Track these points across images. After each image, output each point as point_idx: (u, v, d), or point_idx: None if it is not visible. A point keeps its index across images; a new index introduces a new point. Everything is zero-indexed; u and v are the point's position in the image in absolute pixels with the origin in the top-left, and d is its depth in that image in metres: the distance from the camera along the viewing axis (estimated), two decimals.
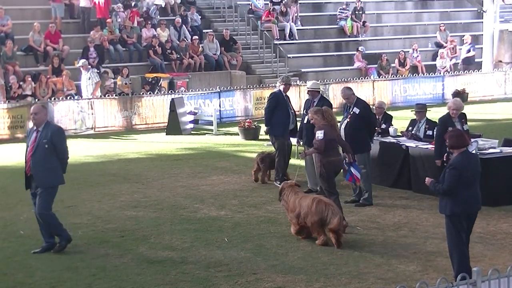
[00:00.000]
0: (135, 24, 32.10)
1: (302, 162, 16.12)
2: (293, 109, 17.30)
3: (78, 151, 20.57)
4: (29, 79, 27.54)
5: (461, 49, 35.05)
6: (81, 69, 26.96)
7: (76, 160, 18.89)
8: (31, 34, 30.11)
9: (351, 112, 14.72)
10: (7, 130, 24.46)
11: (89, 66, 27.29)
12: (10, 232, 13.06)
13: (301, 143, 16.12)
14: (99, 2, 31.67)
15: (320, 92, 16.50)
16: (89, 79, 26.64)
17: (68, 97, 26.63)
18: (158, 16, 33.18)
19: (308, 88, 16.32)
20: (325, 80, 29.14)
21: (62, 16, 32.02)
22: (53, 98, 26.27)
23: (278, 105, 16.82)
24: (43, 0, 32.81)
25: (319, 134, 12.95)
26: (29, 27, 30.61)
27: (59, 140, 11.76)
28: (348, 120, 14.70)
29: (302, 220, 12.23)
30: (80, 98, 26.35)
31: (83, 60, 27.39)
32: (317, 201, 12.13)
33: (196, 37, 32.17)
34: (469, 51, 34.62)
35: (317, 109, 13.63)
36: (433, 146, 14.78)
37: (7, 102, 25.20)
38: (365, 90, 29.28)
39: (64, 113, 25.24)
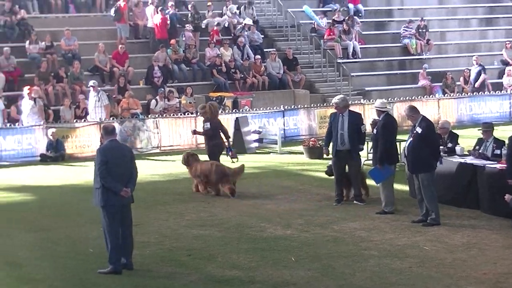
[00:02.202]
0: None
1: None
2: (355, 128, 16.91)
3: (145, 170, 20.72)
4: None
5: None
6: (91, 89, 26.91)
7: (143, 179, 19.04)
8: (96, 54, 30.59)
9: (414, 132, 14.67)
10: (76, 148, 24.91)
11: (99, 88, 27.18)
12: (79, 250, 13.22)
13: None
14: (158, 23, 32.04)
15: (386, 110, 16.42)
16: (98, 100, 26.58)
17: (134, 116, 26.93)
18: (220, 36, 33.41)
19: (376, 107, 16.27)
20: (389, 99, 28.97)
21: (127, 36, 32.45)
22: (119, 118, 26.60)
23: (331, 126, 16.87)
24: (108, 21, 33.32)
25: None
26: (95, 47, 31.10)
27: (96, 159, 11.85)
28: (412, 139, 14.66)
29: (206, 178, 17.91)
30: (146, 117, 26.62)
31: (93, 81, 27.41)
32: (216, 165, 17.94)
33: (259, 56, 32.32)
34: None
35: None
36: (502, 165, 14.61)
37: (74, 121, 25.64)
38: (430, 109, 29.03)
39: (129, 132, 25.53)
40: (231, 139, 21.34)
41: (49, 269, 12.10)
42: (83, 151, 24.95)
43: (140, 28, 33.17)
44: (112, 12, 32.55)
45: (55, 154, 24.34)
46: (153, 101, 28.57)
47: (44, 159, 24.23)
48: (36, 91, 26.39)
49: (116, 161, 11.67)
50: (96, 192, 11.69)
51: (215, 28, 33.26)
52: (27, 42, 30.68)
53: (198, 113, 21.22)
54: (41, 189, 19.60)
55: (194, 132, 21.32)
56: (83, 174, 20.86)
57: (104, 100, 26.54)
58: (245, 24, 33.78)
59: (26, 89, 26.16)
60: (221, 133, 19.34)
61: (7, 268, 12.01)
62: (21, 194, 19.02)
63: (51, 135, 24.38)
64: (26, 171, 22.39)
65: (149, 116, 27.01)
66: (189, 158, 18.55)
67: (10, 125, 25.31)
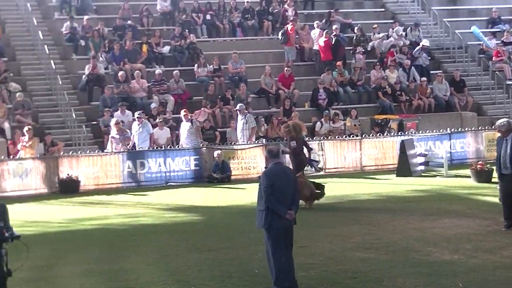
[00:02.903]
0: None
1: None
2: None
3: None
4: (262, 121, 28.34)
5: None
6: (238, 112, 27.01)
7: None
8: (263, 77, 31.05)
9: None
10: (242, 170, 25.34)
11: (246, 111, 27.19)
12: (246, 270, 13.36)
13: None
14: (323, 46, 32.20)
15: None
16: (245, 123, 26.70)
17: None
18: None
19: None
20: None
21: (294, 59, 32.79)
22: (284, 140, 26.82)
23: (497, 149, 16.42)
24: (275, 44, 33.81)
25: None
26: (261, 70, 31.57)
27: (261, 182, 11.88)
28: None
29: None
30: (310, 139, 26.73)
31: (240, 104, 27.48)
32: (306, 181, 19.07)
33: (425, 78, 31.92)
34: None
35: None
36: None
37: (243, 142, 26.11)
38: None
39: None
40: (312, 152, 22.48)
41: None
42: (249, 172, 25.34)
43: (306, 50, 33.44)
44: (279, 35, 33.02)
45: (221, 175, 24.81)
46: (318, 123, 28.69)
47: (211, 180, 24.74)
48: (203, 113, 26.95)
49: (281, 184, 11.73)
50: (260, 215, 11.77)
51: (391, 49, 33.16)
52: (196, 65, 31.53)
53: (283, 132, 23.02)
54: (208, 210, 20.01)
55: (282, 152, 21.15)
56: (249, 196, 21.13)
57: (251, 123, 26.80)
58: (422, 45, 33.40)
59: (183, 112, 26.86)
60: (305, 149, 20.94)
61: (177, 287, 12.29)
62: (189, 214, 19.47)
63: (217, 156, 24.87)
64: (193, 192, 22.90)
65: (314, 138, 27.12)
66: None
67: (178, 146, 26.03)
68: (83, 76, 30.50)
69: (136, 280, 12.67)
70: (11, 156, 25.06)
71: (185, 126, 26.47)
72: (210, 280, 12.58)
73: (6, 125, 27.44)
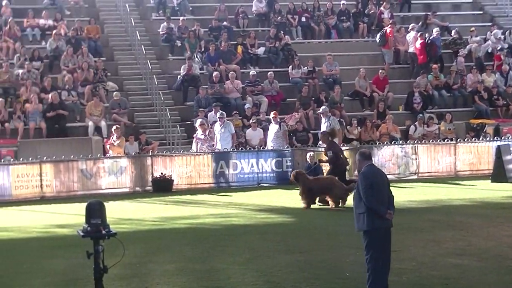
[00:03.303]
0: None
1: None
2: None
3: (401, 196, 20.60)
4: (355, 123, 28.20)
5: None
6: (321, 115, 26.69)
7: (400, 204, 18.89)
8: (357, 79, 30.89)
9: None
10: None
11: (329, 114, 26.81)
12: (336, 273, 13.29)
13: None
14: (419, 49, 31.85)
15: None
16: (329, 126, 26.20)
17: (393, 142, 26.87)
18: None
19: None
20: None
21: (390, 62, 32.54)
22: (377, 143, 26.65)
23: None
24: (370, 47, 33.63)
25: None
26: (355, 72, 31.42)
27: (359, 184, 11.78)
28: None
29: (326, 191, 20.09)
30: (404, 143, 26.48)
31: (323, 107, 27.16)
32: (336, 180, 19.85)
33: None
34: None
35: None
36: None
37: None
38: None
39: (388, 158, 25.51)
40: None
41: None
42: None
43: (401, 53, 33.14)
44: (377, 37, 32.83)
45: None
46: (412, 127, 28.40)
47: None
48: (294, 117, 26.97)
49: (378, 184, 11.65)
50: (361, 217, 11.66)
51: (497, 53, 32.65)
52: (290, 67, 31.57)
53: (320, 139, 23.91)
54: (299, 212, 19.99)
55: (320, 161, 22.52)
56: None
57: (335, 126, 26.58)
58: None
59: (272, 114, 26.88)
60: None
61: None
62: (280, 215, 19.50)
63: (309, 158, 24.82)
64: (284, 193, 22.93)
65: (408, 142, 26.85)
66: (298, 176, 20.44)
67: (272, 147, 26.10)
68: (179, 76, 30.87)
69: (226, 280, 12.74)
70: (107, 154, 25.55)
71: (273, 129, 26.52)
72: (300, 282, 12.56)
73: (103, 124, 27.98)
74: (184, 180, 24.71)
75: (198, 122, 26.58)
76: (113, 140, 25.55)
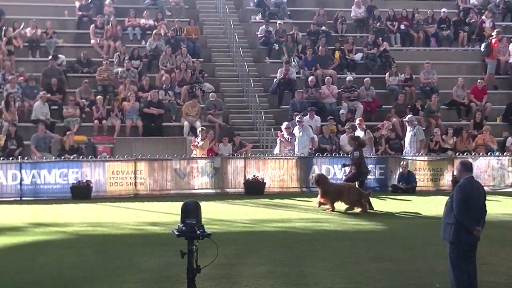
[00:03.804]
0: None
1: None
2: None
3: (495, 209, 20.20)
4: (451, 132, 27.82)
5: None
6: (407, 124, 26.39)
7: (493, 217, 18.54)
8: (455, 88, 30.46)
9: None
10: (427, 182, 25.00)
11: (415, 123, 26.44)
12: (425, 283, 13.10)
13: None
14: None
15: None
16: (414, 135, 25.97)
17: (489, 153, 26.39)
18: None
19: None
20: None
21: (493, 72, 32.00)
22: (473, 153, 26.21)
23: None
24: (469, 56, 33.26)
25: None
26: (453, 81, 30.99)
27: (454, 195, 11.56)
28: None
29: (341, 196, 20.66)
30: (500, 154, 25.99)
31: (409, 116, 26.82)
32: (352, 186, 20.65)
33: None
34: None
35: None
36: None
37: (428, 154, 25.70)
38: None
39: (483, 169, 25.09)
40: None
41: None
42: (434, 184, 24.99)
43: (502, 63, 32.53)
44: (482, 47, 32.37)
45: (406, 185, 24.53)
46: (509, 139, 27.86)
47: (395, 190, 24.52)
48: (387, 124, 26.80)
49: (473, 199, 11.46)
50: (448, 227, 11.51)
51: None
52: (387, 74, 31.35)
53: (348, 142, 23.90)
54: (390, 219, 19.82)
55: (344, 165, 22.98)
56: (433, 208, 20.81)
57: (419, 135, 26.18)
58: None
59: (357, 120, 26.70)
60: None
61: None
62: (371, 222, 19.35)
63: (402, 166, 24.62)
64: (377, 201, 22.75)
65: (504, 153, 26.33)
66: (320, 179, 21.13)
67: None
68: (275, 80, 30.97)
69: (315, 285, 12.71)
70: (202, 155, 25.79)
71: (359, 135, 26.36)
72: None
73: (198, 124, 28.25)
74: (276, 183, 24.77)
75: (284, 125, 26.57)
76: (198, 141, 25.76)
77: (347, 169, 22.62)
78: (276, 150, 26.28)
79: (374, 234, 17.92)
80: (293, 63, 31.98)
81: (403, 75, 31.36)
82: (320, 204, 21.09)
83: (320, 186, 21.02)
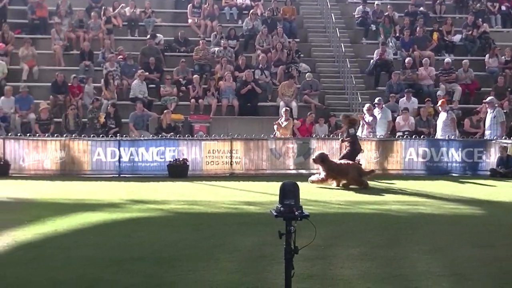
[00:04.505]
0: None
1: None
2: None
3: None
4: None
5: None
6: (487, 106, 25.89)
7: None
8: None
9: None
10: None
11: (496, 105, 25.82)
12: None
13: None
14: None
15: None
16: (494, 117, 25.40)
17: None
18: None
19: None
20: None
21: None
22: None
23: None
24: None
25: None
26: None
27: None
28: None
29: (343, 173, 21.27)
30: None
31: (490, 97, 26.21)
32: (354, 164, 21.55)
33: None
34: None
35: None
36: None
37: None
38: None
39: None
40: None
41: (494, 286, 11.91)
42: None
43: None
44: None
45: (506, 170, 24.05)
46: None
47: (494, 175, 24.06)
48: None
49: None
50: None
51: None
52: (487, 56, 30.71)
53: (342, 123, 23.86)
54: (490, 204, 19.44)
55: (342, 141, 23.06)
56: None
57: (499, 117, 25.56)
58: None
59: (440, 101, 26.24)
60: None
61: (453, 279, 12.03)
62: (469, 207, 19.04)
63: (502, 150, 24.15)
64: (474, 185, 22.39)
65: None
66: (321, 157, 21.49)
67: (471, 137, 25.68)
68: (371, 61, 30.73)
69: (410, 268, 12.56)
70: (296, 135, 25.81)
71: (441, 117, 25.94)
72: (487, 277, 12.21)
73: (294, 104, 28.26)
74: (372, 165, 24.59)
75: (366, 106, 26.29)
76: (281, 122, 25.72)
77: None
78: (359, 132, 26.09)
79: (473, 219, 17.60)
80: (390, 44, 31.64)
81: (503, 57, 30.69)
82: (321, 181, 21.46)
83: (324, 164, 21.29)
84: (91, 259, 12.43)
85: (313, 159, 21.95)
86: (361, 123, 26.13)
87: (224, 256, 12.91)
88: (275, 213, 8.47)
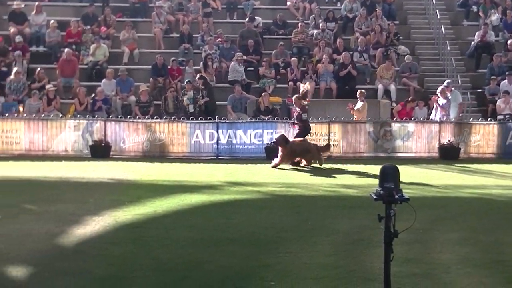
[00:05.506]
0: None
1: None
2: None
3: None
4: None
5: None
6: None
7: None
8: None
9: None
10: None
11: None
12: None
13: None
14: None
15: None
16: None
17: None
18: None
19: None
20: None
21: None
22: None
23: None
24: None
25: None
26: None
27: None
28: None
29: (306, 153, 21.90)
30: None
31: None
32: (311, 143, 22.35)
33: None
34: None
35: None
36: None
37: None
38: None
39: None
40: None
41: None
42: None
43: None
44: None
45: None
46: None
47: None
48: None
49: None
50: None
51: None
52: None
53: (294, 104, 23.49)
54: None
55: (293, 124, 22.77)
56: None
57: None
58: None
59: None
60: None
61: (494, 266, 11.68)
62: None
63: None
64: None
65: None
66: (284, 138, 21.65)
67: None
68: (472, 43, 30.17)
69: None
70: (395, 118, 25.60)
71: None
72: None
73: (392, 87, 28.01)
74: (472, 148, 24.22)
75: (439, 89, 25.67)
76: (354, 104, 25.27)
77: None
78: (432, 115, 25.63)
79: None
80: (491, 25, 30.98)
81: None
82: (280, 163, 21.67)
83: (286, 145, 21.54)
84: (189, 239, 12.62)
85: (275, 141, 22.15)
86: (434, 106, 25.69)
87: (321, 239, 12.92)
88: (375, 196, 8.43)
